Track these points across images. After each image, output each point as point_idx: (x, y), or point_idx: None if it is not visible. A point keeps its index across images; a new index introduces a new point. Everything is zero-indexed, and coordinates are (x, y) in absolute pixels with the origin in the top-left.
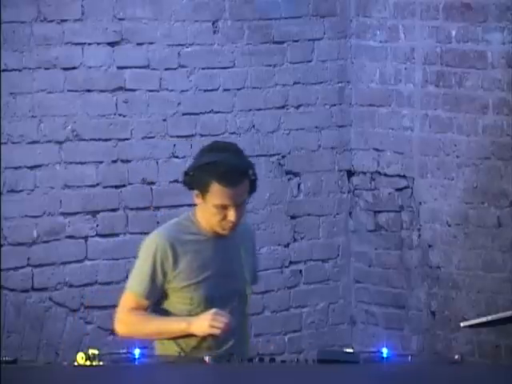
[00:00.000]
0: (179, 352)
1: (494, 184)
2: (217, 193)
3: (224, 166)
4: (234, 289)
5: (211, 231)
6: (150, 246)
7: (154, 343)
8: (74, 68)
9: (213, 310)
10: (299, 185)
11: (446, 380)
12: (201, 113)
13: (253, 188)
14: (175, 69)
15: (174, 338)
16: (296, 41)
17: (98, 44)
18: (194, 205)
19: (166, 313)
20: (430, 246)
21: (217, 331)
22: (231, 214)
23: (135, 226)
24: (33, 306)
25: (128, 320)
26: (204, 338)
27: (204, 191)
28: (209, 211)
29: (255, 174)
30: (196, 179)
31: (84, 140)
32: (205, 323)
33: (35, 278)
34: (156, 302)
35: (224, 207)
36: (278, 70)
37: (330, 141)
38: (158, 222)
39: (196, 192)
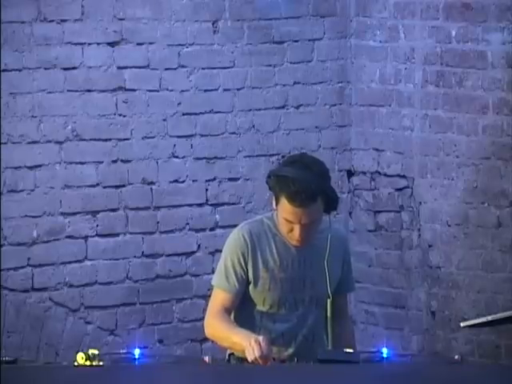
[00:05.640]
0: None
1: (493, 184)
2: (284, 207)
3: (294, 186)
4: (311, 294)
5: None
6: (233, 241)
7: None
8: (74, 68)
9: (260, 337)
10: None
11: (446, 380)
12: (201, 113)
13: (331, 207)
14: (175, 69)
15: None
16: (296, 41)
17: (98, 44)
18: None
19: (243, 313)
20: (430, 246)
21: (248, 357)
22: (296, 231)
23: (135, 226)
24: (33, 306)
25: (215, 325)
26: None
27: (276, 200)
28: (280, 219)
29: (331, 195)
30: (271, 186)
31: (84, 140)
32: (247, 344)
33: (35, 278)
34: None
35: (290, 222)
36: (278, 69)
37: (330, 141)
38: (158, 222)
39: (273, 196)
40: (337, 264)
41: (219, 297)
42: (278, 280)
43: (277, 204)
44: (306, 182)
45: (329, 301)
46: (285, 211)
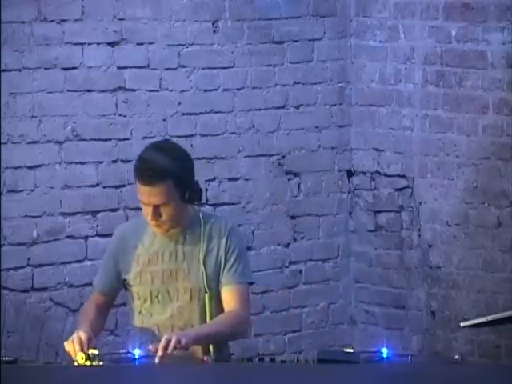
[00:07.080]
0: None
1: (493, 184)
2: (137, 188)
3: (140, 164)
4: (185, 286)
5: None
6: (108, 244)
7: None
8: (74, 68)
9: (80, 333)
10: (299, 185)
11: (446, 380)
12: (201, 113)
13: (191, 197)
14: (175, 69)
15: None
16: (296, 41)
17: (98, 44)
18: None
19: (132, 308)
20: (430, 246)
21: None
22: (148, 213)
23: None
24: (33, 306)
25: (81, 313)
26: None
27: None
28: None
29: (187, 183)
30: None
31: (84, 140)
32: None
33: (35, 278)
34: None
35: (144, 203)
36: (278, 69)
37: (330, 141)
38: None
39: None
40: (215, 256)
41: (94, 294)
42: (149, 273)
43: None
44: (152, 161)
45: (206, 294)
46: (138, 192)
